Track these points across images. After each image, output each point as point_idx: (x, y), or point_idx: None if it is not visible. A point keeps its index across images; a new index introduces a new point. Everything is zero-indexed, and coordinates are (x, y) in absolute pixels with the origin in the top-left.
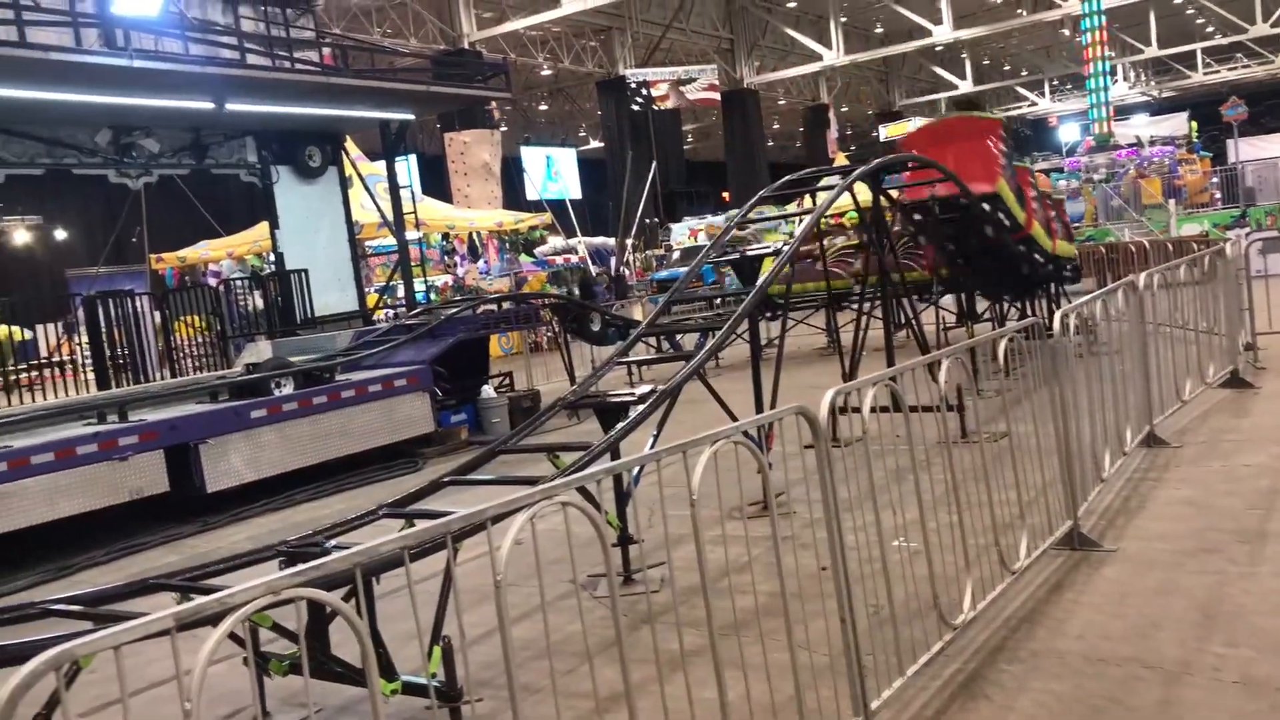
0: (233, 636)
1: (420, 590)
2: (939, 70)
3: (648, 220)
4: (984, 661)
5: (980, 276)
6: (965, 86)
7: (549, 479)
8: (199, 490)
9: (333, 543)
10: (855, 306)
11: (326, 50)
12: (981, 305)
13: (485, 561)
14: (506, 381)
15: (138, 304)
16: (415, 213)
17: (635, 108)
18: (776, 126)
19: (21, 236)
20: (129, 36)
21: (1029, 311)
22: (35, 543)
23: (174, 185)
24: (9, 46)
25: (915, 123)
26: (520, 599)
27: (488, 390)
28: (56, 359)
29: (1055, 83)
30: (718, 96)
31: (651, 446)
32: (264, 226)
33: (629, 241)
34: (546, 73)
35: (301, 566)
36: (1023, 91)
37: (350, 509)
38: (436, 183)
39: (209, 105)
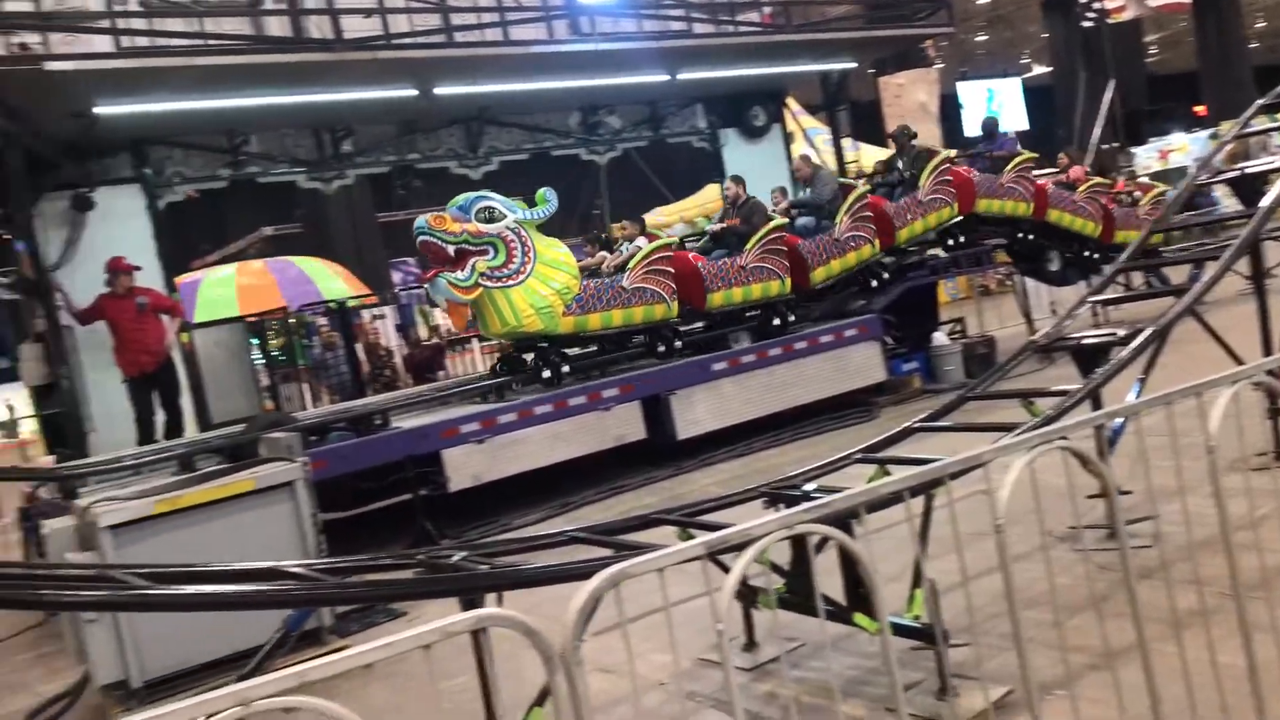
0: (721, 568)
1: (890, 536)
2: None
3: (1104, 145)
4: None
5: None
6: None
7: (1023, 426)
8: (671, 438)
9: (811, 486)
10: None
11: (766, 9)
12: None
13: (960, 507)
14: (958, 328)
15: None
16: (858, 161)
17: (1086, 24)
18: (1262, 24)
19: None
20: (593, 22)
21: None
22: (541, 482)
23: (627, 158)
24: (497, 46)
25: None
26: (991, 548)
27: (939, 337)
28: None
29: None
30: None
31: (1138, 393)
32: (710, 189)
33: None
34: (982, 1)
35: (811, 504)
36: None
37: (808, 456)
38: (871, 129)
39: (663, 77)
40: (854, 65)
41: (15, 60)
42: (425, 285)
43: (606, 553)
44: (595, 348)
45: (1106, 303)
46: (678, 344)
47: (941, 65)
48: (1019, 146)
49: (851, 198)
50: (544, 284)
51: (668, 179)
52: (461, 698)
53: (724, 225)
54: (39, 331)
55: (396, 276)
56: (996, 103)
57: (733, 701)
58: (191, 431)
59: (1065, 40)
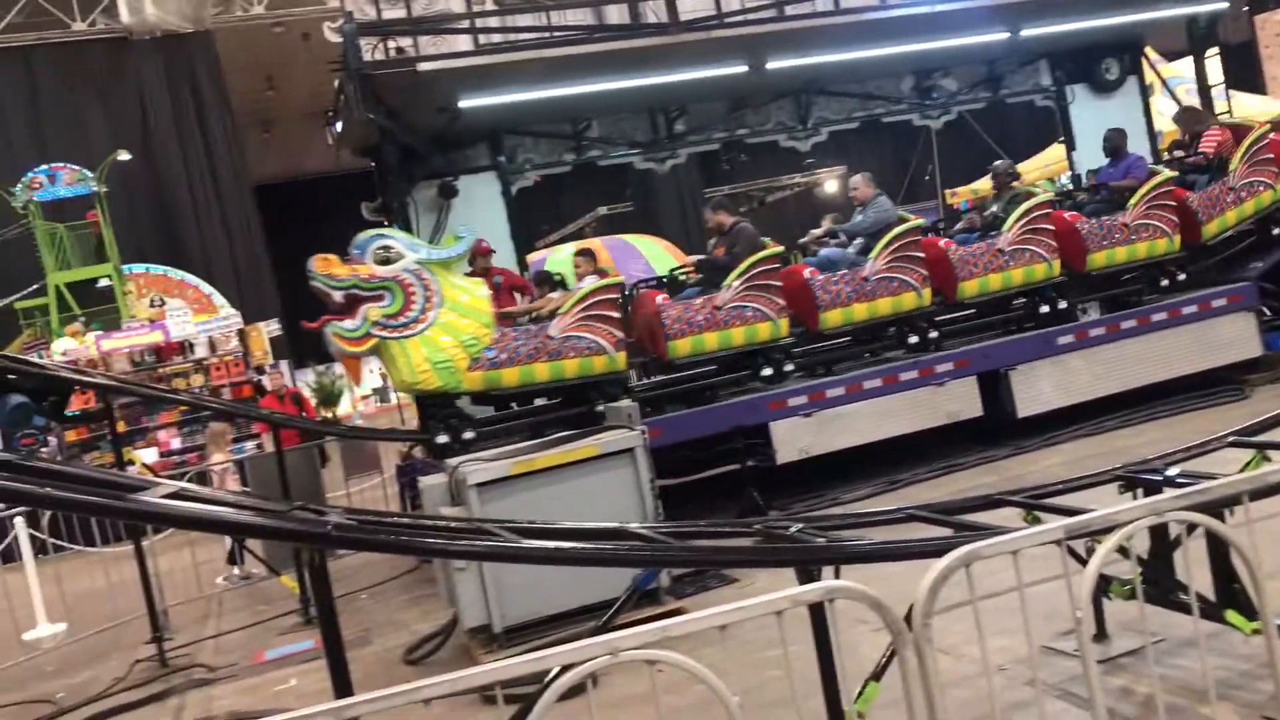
0: (1073, 555)
1: (1261, 530)
2: None
3: None
4: None
5: None
6: None
7: None
8: (1010, 415)
9: (1173, 470)
10: None
11: None
12: None
13: None
14: None
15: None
16: (1229, 111)
17: None
18: None
19: (831, 186)
20: None
21: None
22: (869, 458)
23: (959, 122)
24: (828, 16)
25: None
26: None
27: None
28: None
29: None
30: None
31: None
32: (1052, 150)
33: None
34: None
35: (1182, 489)
36: None
37: (1166, 438)
38: (1246, 75)
39: (1004, 35)
40: (1227, 4)
41: (393, 64)
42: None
43: (946, 532)
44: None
45: None
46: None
47: None
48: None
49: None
50: (448, 334)
51: (1005, 141)
52: (792, 666)
53: (703, 257)
54: None
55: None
56: None
57: (1093, 694)
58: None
59: None
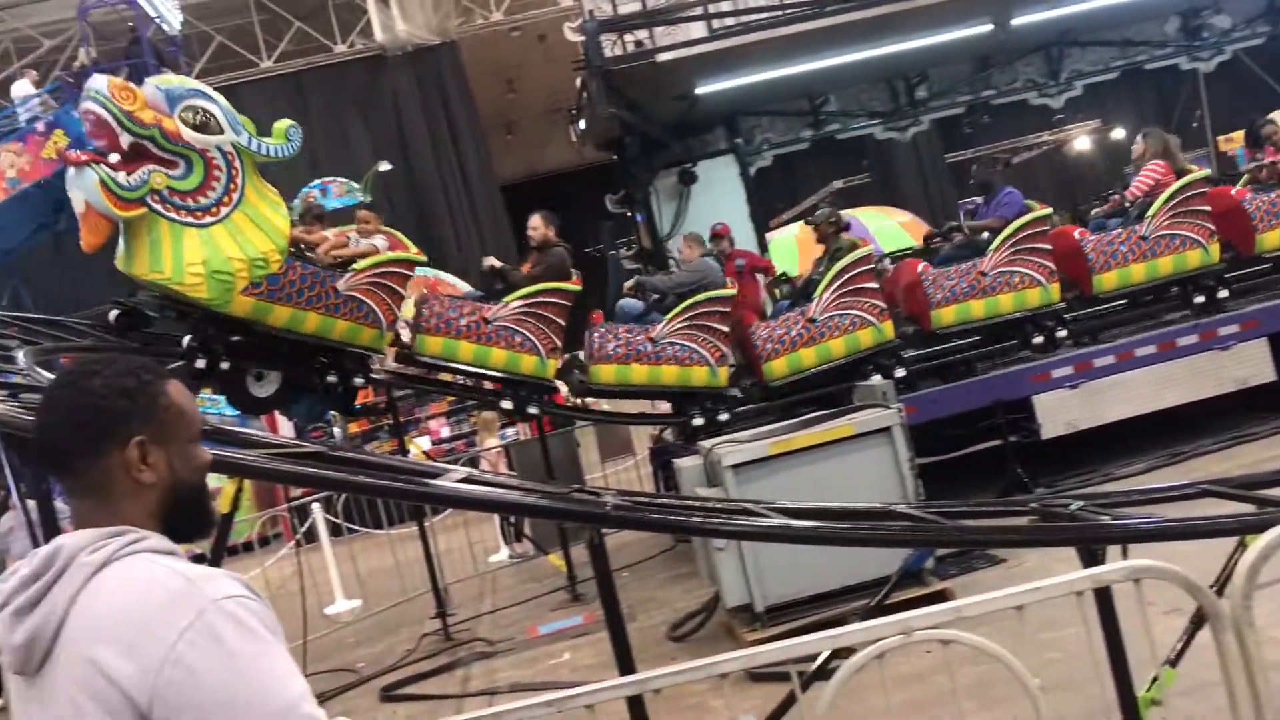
0: None
1: None
2: None
3: None
4: None
5: None
6: None
7: None
8: None
9: None
10: None
11: None
12: None
13: None
14: None
15: None
16: None
17: None
18: None
19: (1083, 143)
20: None
21: None
22: (1143, 430)
23: (1235, 62)
24: None
25: None
26: None
27: None
28: None
29: None
30: None
31: None
32: None
33: None
34: None
35: None
36: None
37: None
38: None
39: None
40: None
41: (632, 57)
42: (68, 170)
43: (1246, 508)
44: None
45: None
46: None
47: None
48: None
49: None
50: (237, 241)
51: None
52: (1070, 649)
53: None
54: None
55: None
56: None
57: None
58: None
59: None
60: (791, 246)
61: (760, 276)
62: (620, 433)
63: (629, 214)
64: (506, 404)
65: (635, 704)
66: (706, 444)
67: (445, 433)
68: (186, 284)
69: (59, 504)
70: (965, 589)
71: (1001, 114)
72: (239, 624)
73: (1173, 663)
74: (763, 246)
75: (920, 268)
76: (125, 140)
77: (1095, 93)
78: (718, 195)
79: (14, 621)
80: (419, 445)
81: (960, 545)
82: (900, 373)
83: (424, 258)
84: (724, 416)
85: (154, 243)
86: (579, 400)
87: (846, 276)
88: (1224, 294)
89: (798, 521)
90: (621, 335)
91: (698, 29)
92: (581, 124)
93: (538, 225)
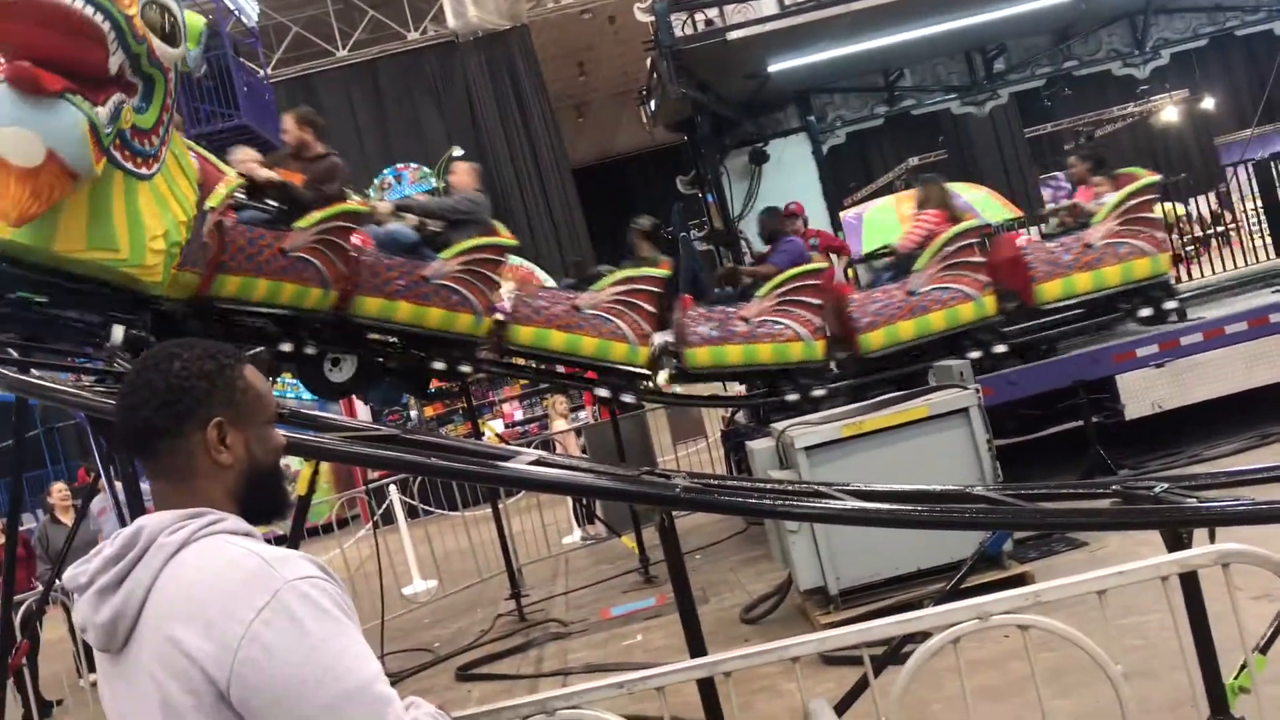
0: None
1: None
2: None
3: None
4: None
5: None
6: None
7: None
8: None
9: None
10: None
11: None
12: None
13: None
14: None
15: None
16: None
17: None
18: None
19: (1170, 114)
20: None
21: None
22: (1230, 412)
23: None
24: None
25: None
26: None
27: None
28: (1219, 230)
29: None
30: None
31: None
32: None
33: None
34: None
35: None
36: None
37: None
38: None
39: None
40: None
41: (702, 36)
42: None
43: None
44: None
45: None
46: None
47: None
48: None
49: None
50: (161, 202)
51: None
52: (1152, 636)
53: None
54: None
55: (1046, 193)
56: None
57: None
58: None
59: None
60: (889, 216)
61: (834, 256)
62: (692, 415)
63: (700, 195)
64: (602, 391)
65: (706, 686)
66: (779, 425)
67: (519, 415)
68: (146, 265)
69: (144, 486)
70: (1045, 573)
71: (1083, 86)
72: (313, 604)
73: (1263, 649)
74: (836, 225)
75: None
76: (115, 63)
77: (1183, 61)
78: (790, 174)
79: (98, 600)
80: (493, 428)
81: (1039, 528)
82: (1001, 348)
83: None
84: (819, 392)
85: (102, 209)
86: (672, 386)
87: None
88: (1001, 349)
89: (870, 504)
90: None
91: (768, 6)
92: (652, 105)
93: (290, 129)
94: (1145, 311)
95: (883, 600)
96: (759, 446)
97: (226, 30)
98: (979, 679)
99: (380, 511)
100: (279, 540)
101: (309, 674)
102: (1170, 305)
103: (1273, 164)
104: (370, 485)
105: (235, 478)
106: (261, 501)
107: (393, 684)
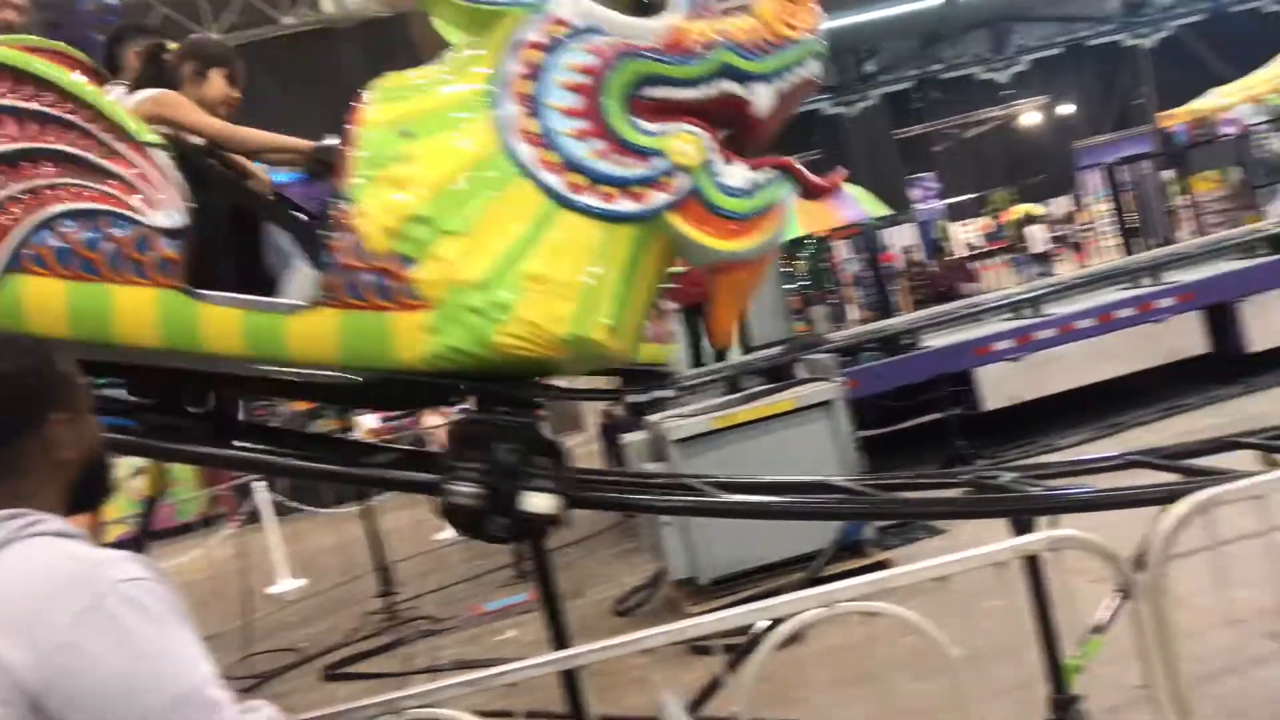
0: None
1: None
2: None
3: None
4: None
5: None
6: None
7: None
8: (1238, 351)
9: None
10: None
11: None
12: None
13: None
14: None
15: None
16: None
17: None
18: None
19: (1030, 118)
20: None
21: None
22: (1082, 402)
23: (1176, 39)
24: None
25: None
26: None
27: None
28: (1073, 230)
29: None
30: None
31: None
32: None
33: None
34: None
35: None
36: None
37: None
38: None
39: None
40: None
41: None
42: None
43: (1171, 478)
44: None
45: None
46: None
47: None
48: None
49: None
50: None
51: (1226, 57)
52: (1001, 620)
53: None
54: None
55: (916, 193)
56: None
57: None
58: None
59: None
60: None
61: None
62: (571, 408)
63: None
64: None
65: (571, 680)
66: (654, 418)
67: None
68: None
69: None
70: (906, 560)
71: (950, 89)
72: (139, 607)
73: (1099, 630)
74: None
75: None
76: None
77: (1043, 69)
78: None
79: None
80: (363, 423)
81: (893, 518)
82: None
83: None
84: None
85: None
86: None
87: None
88: None
89: (737, 496)
90: None
91: None
92: None
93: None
94: None
95: (752, 589)
96: (632, 440)
97: (85, 8)
98: (842, 666)
99: (244, 509)
100: (133, 543)
101: (134, 681)
102: None
103: (1113, 170)
104: (234, 482)
105: (74, 471)
106: (93, 488)
107: (257, 685)
